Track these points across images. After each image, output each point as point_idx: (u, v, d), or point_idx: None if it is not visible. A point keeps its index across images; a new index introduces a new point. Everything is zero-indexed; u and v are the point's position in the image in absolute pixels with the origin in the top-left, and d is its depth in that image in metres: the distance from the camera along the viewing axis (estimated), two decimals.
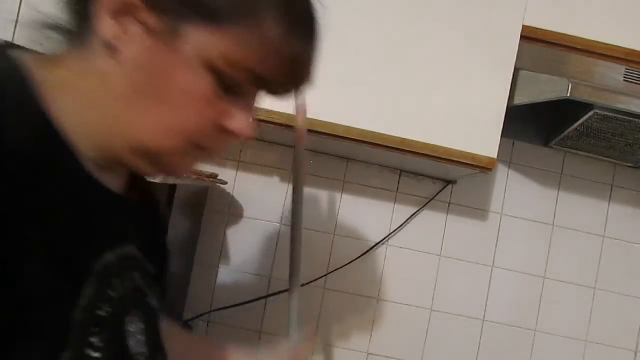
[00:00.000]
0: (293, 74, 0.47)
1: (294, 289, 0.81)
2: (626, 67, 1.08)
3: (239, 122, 0.46)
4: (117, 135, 0.44)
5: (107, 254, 0.46)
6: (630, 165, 1.35)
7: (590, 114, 1.06)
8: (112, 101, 0.43)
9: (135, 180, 0.55)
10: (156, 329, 0.55)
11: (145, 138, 0.44)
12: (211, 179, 1.19)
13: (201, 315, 1.33)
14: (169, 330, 0.59)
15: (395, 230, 1.37)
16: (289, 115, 1.01)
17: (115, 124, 0.44)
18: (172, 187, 0.98)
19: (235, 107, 0.46)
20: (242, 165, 1.37)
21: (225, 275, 1.36)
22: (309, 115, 1.00)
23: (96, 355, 0.42)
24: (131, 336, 0.48)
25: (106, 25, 0.42)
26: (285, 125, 1.01)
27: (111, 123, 0.44)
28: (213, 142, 0.47)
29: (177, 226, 1.05)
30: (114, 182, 0.49)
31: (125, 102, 0.43)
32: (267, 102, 0.98)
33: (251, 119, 0.47)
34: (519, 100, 1.09)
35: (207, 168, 1.33)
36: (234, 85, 0.44)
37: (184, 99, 0.43)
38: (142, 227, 0.55)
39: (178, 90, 0.43)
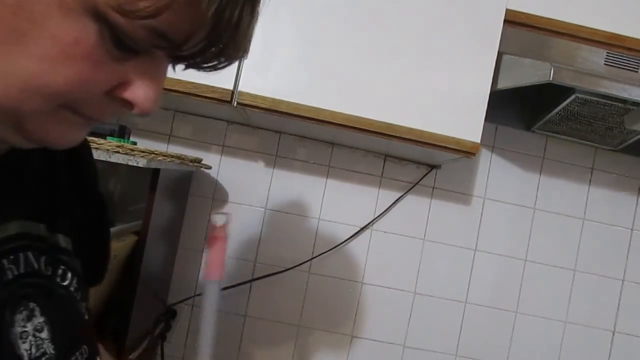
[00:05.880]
0: (210, 34, 0.34)
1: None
2: (607, 50, 1.09)
3: (137, 92, 0.36)
4: None
5: None
6: (610, 148, 1.38)
7: (572, 97, 1.07)
8: None
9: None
10: (71, 318, 0.46)
11: None
12: (195, 164, 1.18)
13: (185, 299, 1.34)
14: None
15: (379, 215, 1.38)
16: (273, 99, 1.00)
17: None
18: (156, 172, 0.97)
19: (135, 72, 0.35)
20: (226, 149, 1.36)
21: None
22: (295, 100, 1.01)
23: None
24: (23, 337, 0.39)
25: None
26: (269, 109, 1.00)
27: None
28: (96, 109, 0.36)
29: (160, 211, 1.04)
30: None
31: None
32: (249, 86, 0.99)
33: (156, 89, 0.37)
34: (502, 85, 1.09)
35: (191, 152, 1.32)
36: (131, 43, 0.33)
37: (51, 48, 0.31)
38: (47, 185, 0.47)
39: (46, 36, 0.31)
